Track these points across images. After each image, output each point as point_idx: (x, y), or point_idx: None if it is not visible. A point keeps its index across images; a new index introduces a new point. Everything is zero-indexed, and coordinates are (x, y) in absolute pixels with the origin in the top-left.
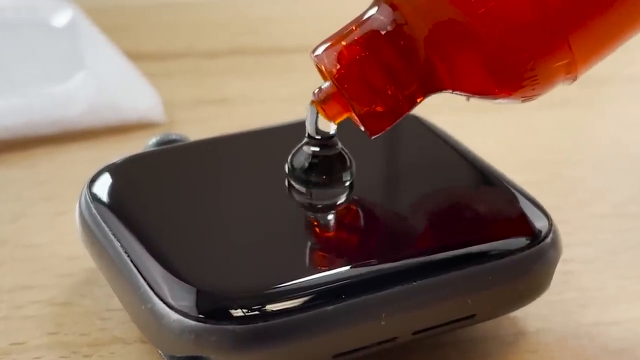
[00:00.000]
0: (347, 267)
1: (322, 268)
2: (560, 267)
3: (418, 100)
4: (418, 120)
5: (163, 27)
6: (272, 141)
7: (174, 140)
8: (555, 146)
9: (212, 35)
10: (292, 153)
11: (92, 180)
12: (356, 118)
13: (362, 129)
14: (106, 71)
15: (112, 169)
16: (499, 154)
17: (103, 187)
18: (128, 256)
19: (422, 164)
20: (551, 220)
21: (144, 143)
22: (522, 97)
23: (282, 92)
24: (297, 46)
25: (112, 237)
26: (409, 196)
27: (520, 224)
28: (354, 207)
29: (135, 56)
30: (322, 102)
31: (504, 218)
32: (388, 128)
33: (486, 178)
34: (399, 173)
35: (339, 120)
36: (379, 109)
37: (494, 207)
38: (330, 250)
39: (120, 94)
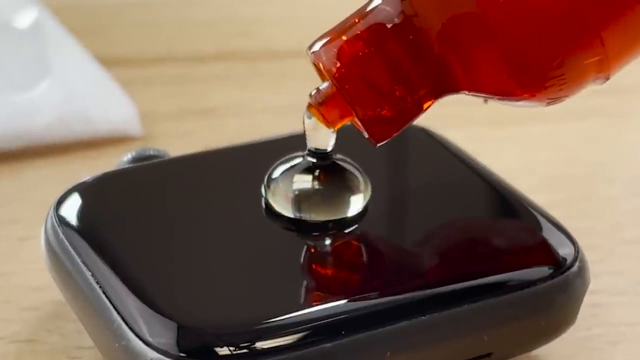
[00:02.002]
0: (348, 300)
1: (320, 300)
2: (587, 300)
3: (429, 103)
4: (427, 134)
5: (140, 28)
6: (264, 157)
7: (152, 156)
8: (582, 162)
9: (196, 38)
10: (275, 169)
11: (60, 202)
12: (359, 123)
13: (366, 135)
14: (75, 78)
15: (82, 189)
16: (518, 171)
17: (72, 209)
18: (100, 287)
19: (432, 183)
20: (577, 246)
21: (118, 159)
22: (548, 99)
23: (276, 102)
24: (293, 50)
25: (82, 265)
26: (417, 219)
27: (542, 251)
28: (355, 233)
29: (108, 61)
30: (321, 106)
31: (524, 244)
32: (395, 135)
33: (504, 199)
34: (405, 193)
35: (339, 126)
36: (385, 113)
37: (513, 232)
38: (329, 281)
39: (91, 103)
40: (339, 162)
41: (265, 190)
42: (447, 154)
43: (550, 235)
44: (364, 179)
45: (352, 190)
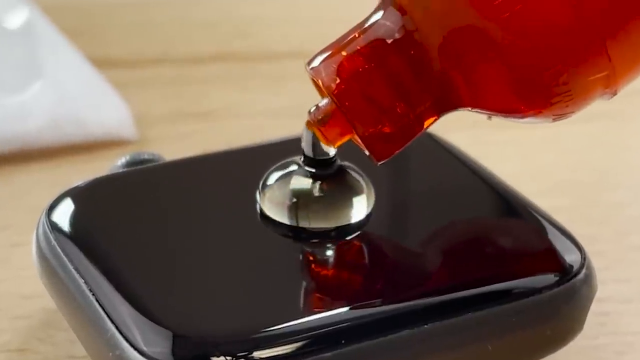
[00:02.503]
0: (348, 308)
1: (319, 309)
2: (594, 308)
3: (431, 120)
4: (430, 138)
5: (135, 28)
6: (262, 161)
7: (147, 161)
8: (587, 167)
9: (193, 38)
10: (271, 174)
11: (52, 207)
12: (359, 141)
13: (367, 153)
14: (68, 80)
15: (75, 194)
16: (522, 176)
17: (64, 214)
18: (93, 295)
19: (435, 188)
20: (584, 253)
21: (112, 163)
22: (553, 115)
23: (276, 104)
24: (293, 51)
25: (74, 272)
26: (419, 225)
27: (547, 258)
28: (355, 240)
29: (102, 63)
30: (320, 123)
31: (529, 251)
32: (397, 152)
33: (508, 204)
34: (407, 199)
35: (339, 144)
36: (386, 130)
37: (518, 239)
38: (328, 289)
39: (84, 106)
40: (339, 166)
41: (260, 197)
42: (450, 157)
43: (556, 241)
44: (367, 184)
45: (354, 196)
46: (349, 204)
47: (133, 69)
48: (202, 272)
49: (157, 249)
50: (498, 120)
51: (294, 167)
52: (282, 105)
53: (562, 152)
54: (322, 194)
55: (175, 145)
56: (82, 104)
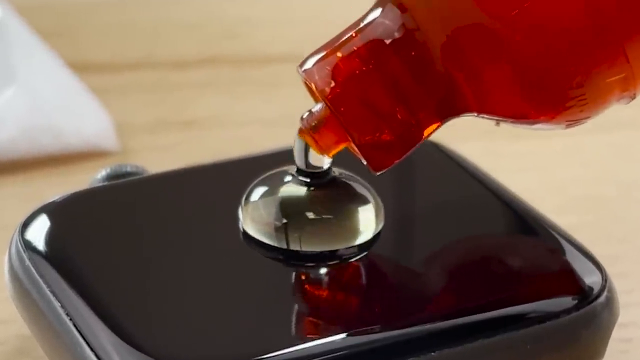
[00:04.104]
0: (347, 334)
1: (314, 335)
2: (616, 334)
3: (434, 127)
4: (438, 149)
5: (115, 30)
6: (253, 174)
7: (129, 174)
8: (610, 180)
9: (177, 41)
10: (254, 189)
11: (26, 224)
12: (356, 149)
13: (364, 162)
14: (43, 86)
15: (51, 210)
16: (539, 191)
17: (39, 232)
18: (70, 319)
19: (444, 204)
20: (605, 274)
21: (91, 177)
22: (567, 121)
23: (266, 112)
24: (285, 55)
25: (50, 295)
26: (427, 245)
27: (565, 280)
28: (355, 261)
29: (80, 67)
30: (313, 131)
31: (546, 272)
32: (397, 162)
33: (523, 221)
34: (415, 215)
35: (333, 153)
36: (385, 137)
37: (534, 259)
38: (325, 313)
39: (61, 114)
40: (340, 178)
41: (242, 215)
42: (460, 171)
43: (575, 261)
44: (375, 200)
45: (359, 214)
46: (353, 224)
47: (113, 73)
48: (185, 296)
49: (138, 271)
50: (512, 130)
51: (283, 180)
52: (274, 114)
53: (581, 164)
54: (318, 216)
55: (158, 156)
56: (58, 111)
